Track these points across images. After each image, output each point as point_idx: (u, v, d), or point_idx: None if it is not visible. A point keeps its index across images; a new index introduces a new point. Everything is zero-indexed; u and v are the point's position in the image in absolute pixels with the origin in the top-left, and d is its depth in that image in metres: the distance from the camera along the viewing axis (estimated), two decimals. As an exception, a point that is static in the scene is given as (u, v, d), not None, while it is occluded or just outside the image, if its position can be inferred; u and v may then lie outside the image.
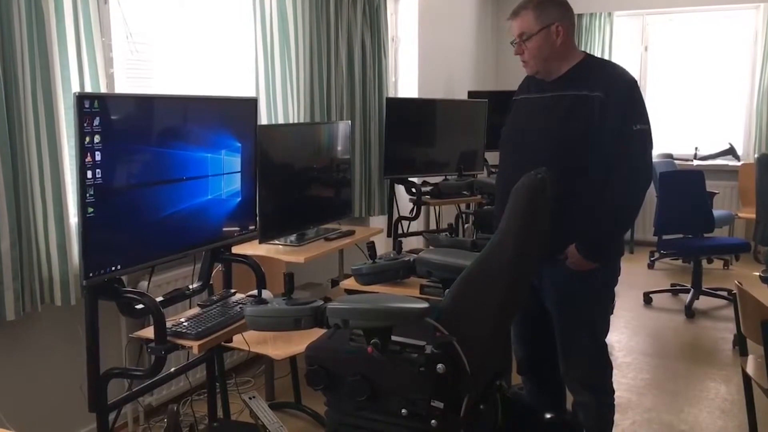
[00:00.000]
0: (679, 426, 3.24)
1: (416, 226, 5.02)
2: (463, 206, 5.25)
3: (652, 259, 6.23)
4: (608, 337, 2.53)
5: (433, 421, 1.93)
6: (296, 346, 2.95)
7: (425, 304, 1.89)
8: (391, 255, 2.75)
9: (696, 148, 6.78)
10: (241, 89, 3.85)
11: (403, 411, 1.96)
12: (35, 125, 2.51)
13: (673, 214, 4.96)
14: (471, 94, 5.90)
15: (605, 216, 2.31)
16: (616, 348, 4.22)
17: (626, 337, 4.47)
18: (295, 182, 3.53)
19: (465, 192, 4.78)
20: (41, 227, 2.58)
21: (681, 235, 5.14)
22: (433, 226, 5.36)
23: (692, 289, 5.06)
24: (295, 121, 3.94)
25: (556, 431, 2.25)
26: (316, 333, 2.52)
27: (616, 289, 2.57)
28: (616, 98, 2.28)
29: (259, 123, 2.91)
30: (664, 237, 5.07)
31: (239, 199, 2.70)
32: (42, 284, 2.62)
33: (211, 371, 2.89)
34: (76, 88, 2.65)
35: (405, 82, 5.45)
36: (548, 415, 2.31)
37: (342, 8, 4.29)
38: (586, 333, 2.43)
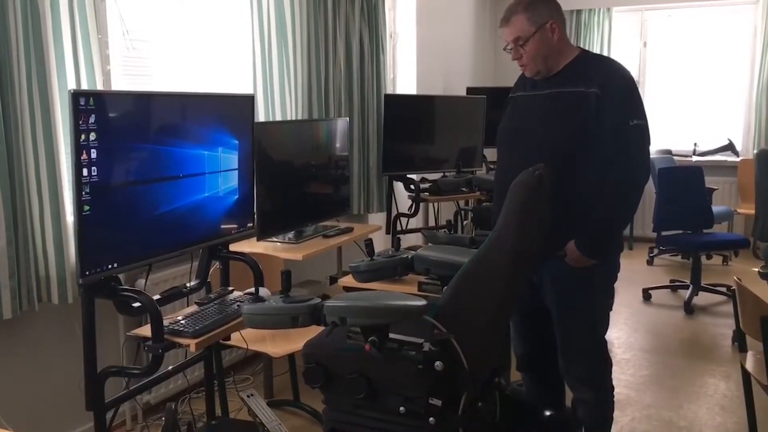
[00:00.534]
0: (678, 422, 3.24)
1: (415, 223, 5.01)
2: (461, 203, 5.24)
3: (651, 255, 6.23)
4: (607, 333, 2.53)
5: (431, 418, 1.92)
6: (295, 343, 2.94)
7: (423, 302, 1.88)
8: (389, 252, 2.74)
9: (695, 144, 6.77)
10: (239, 86, 3.84)
11: (401, 409, 1.95)
12: (31, 122, 2.50)
13: (672, 210, 4.96)
14: (469, 90, 5.88)
15: (604, 212, 2.30)
16: (616, 344, 4.22)
17: (625, 333, 4.46)
18: (293, 179, 3.52)
19: (464, 188, 4.76)
20: (38, 225, 2.57)
21: (680, 231, 5.13)
22: (431, 222, 5.35)
23: (691, 285, 5.05)
24: (293, 118, 3.93)
25: (555, 428, 2.25)
26: (315, 330, 2.52)
27: (615, 285, 2.57)
28: (613, 94, 2.27)
29: (256, 120, 2.90)
30: (663, 233, 5.06)
31: (237, 196, 2.69)
32: (39, 282, 2.61)
33: (209, 369, 2.88)
34: (72, 85, 2.63)
35: (403, 78, 5.43)
36: (547, 412, 2.30)
37: (340, 4, 4.28)
38: (585, 330, 2.42)
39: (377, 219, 4.92)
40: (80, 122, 1.97)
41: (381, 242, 4.57)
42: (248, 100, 2.82)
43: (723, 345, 4.26)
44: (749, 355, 2.86)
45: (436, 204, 5.17)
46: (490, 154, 5.64)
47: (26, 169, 2.52)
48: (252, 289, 2.56)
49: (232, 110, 2.69)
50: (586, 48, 2.53)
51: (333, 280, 4.25)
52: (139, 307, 2.21)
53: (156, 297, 2.32)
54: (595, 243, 2.33)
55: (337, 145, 3.90)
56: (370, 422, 2.02)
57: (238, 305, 2.43)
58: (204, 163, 2.49)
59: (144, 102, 2.33)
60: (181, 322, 2.27)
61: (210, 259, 2.67)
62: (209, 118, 2.55)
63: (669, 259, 6.34)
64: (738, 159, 6.51)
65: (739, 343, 2.88)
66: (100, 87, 2.76)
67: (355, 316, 1.87)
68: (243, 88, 3.84)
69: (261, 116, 3.81)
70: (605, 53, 6.68)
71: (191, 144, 2.42)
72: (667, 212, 4.94)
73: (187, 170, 2.41)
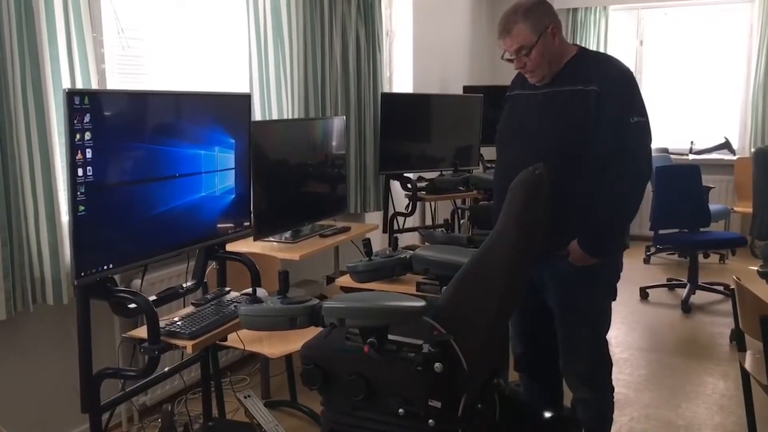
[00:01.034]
0: (677, 422, 3.23)
1: (412, 222, 5.00)
2: (458, 202, 5.23)
3: (648, 253, 6.22)
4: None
5: (430, 420, 1.91)
6: (292, 344, 2.92)
7: (422, 303, 1.86)
8: (387, 252, 2.73)
9: (691, 142, 6.77)
10: (235, 85, 3.81)
11: (400, 411, 1.93)
12: (25, 122, 2.48)
13: (670, 209, 4.95)
14: (466, 89, 5.87)
15: (606, 210, 2.29)
16: (613, 343, 4.21)
17: (623, 332, 4.45)
18: (289, 178, 3.50)
19: (461, 187, 4.74)
20: (32, 226, 2.54)
21: (677, 230, 5.12)
22: (428, 221, 5.34)
23: (688, 284, 5.05)
24: (290, 117, 3.90)
25: (555, 429, 2.23)
26: (312, 331, 2.50)
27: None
28: (612, 91, 2.25)
29: (252, 119, 2.88)
30: (660, 231, 5.05)
31: (233, 196, 2.67)
32: (33, 283, 2.58)
33: (206, 370, 2.86)
34: (66, 84, 2.61)
35: (399, 76, 5.42)
36: (547, 413, 2.29)
37: (336, 2, 4.25)
38: (587, 330, 2.41)
39: (374, 218, 4.91)
40: (75, 121, 1.95)
41: (377, 241, 4.56)
42: (245, 99, 2.79)
43: (721, 344, 4.25)
44: (748, 354, 2.85)
45: (433, 203, 5.17)
46: (487, 152, 5.66)
47: (20, 168, 2.50)
48: (249, 290, 2.54)
49: (228, 109, 2.67)
50: (583, 46, 2.50)
51: (330, 279, 4.23)
52: (135, 308, 2.19)
53: (152, 298, 2.29)
54: (597, 242, 2.32)
55: (334, 143, 3.88)
56: (369, 424, 2.00)
57: (235, 306, 2.41)
58: (200, 162, 2.47)
59: (140, 101, 2.31)
60: (178, 323, 2.24)
61: (206, 259, 2.65)
62: (205, 117, 2.53)
63: (666, 257, 6.34)
64: (734, 157, 6.51)
65: (738, 342, 2.87)
66: (94, 86, 2.74)
67: (354, 318, 1.85)
68: (239, 86, 3.81)
69: (257, 115, 3.79)
70: (602, 51, 6.66)
71: (187, 143, 2.40)
72: (664, 211, 4.93)
73: (184, 170, 2.38)
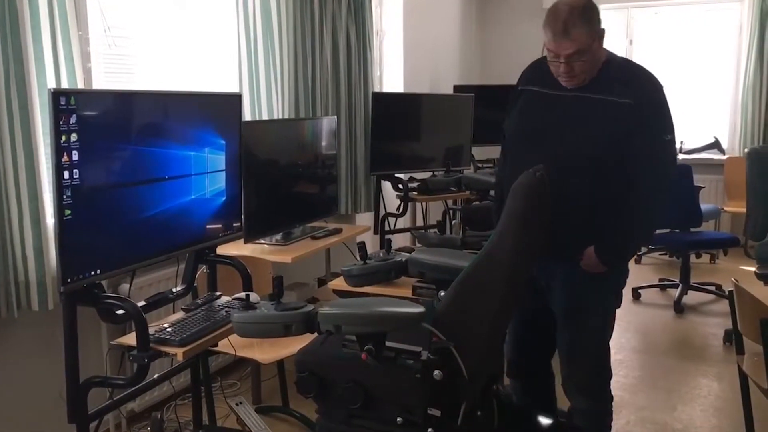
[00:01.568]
0: (674, 425, 3.20)
1: (403, 223, 4.95)
2: (450, 202, 5.19)
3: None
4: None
5: (429, 429, 1.86)
6: (284, 349, 2.87)
7: (421, 309, 1.82)
8: (381, 255, 2.67)
9: (681, 142, 6.75)
10: (224, 85, 3.75)
11: (399, 419, 1.89)
12: (9, 122, 2.40)
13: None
14: (456, 88, 5.83)
15: (631, 223, 2.24)
16: (607, 345, 4.18)
17: (616, 333, 4.34)
18: (280, 179, 3.44)
19: (453, 188, 4.71)
20: (17, 229, 2.47)
21: (668, 230, 5.10)
22: (420, 222, 5.29)
23: (681, 284, 5.03)
24: (280, 117, 3.84)
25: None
26: (305, 336, 2.45)
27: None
28: (648, 108, 2.20)
29: (242, 119, 2.82)
30: (653, 232, 5.02)
31: (224, 198, 2.61)
32: (18, 288, 2.51)
33: (196, 376, 2.80)
34: (51, 84, 2.53)
35: (390, 76, 5.36)
36: (546, 420, 2.25)
37: (326, 1, 4.19)
38: (593, 338, 2.37)
39: (365, 219, 4.85)
40: (61, 122, 1.88)
41: (368, 242, 4.50)
42: (235, 99, 2.74)
43: (714, 345, 4.23)
44: (746, 357, 2.82)
45: (424, 204, 5.12)
46: (479, 153, 5.62)
47: (4, 171, 2.42)
48: (240, 294, 2.47)
49: (218, 109, 2.61)
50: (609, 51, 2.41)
51: (321, 282, 4.17)
52: (123, 314, 2.12)
53: (141, 304, 2.22)
54: (616, 252, 2.28)
55: (324, 144, 3.83)
56: (366, 433, 1.95)
57: (226, 311, 2.35)
58: (190, 164, 2.40)
59: (127, 101, 2.24)
60: (168, 330, 2.18)
61: (196, 263, 2.58)
62: (195, 118, 2.47)
63: (657, 257, 6.33)
64: (724, 157, 6.51)
65: (737, 345, 2.84)
66: (80, 86, 2.66)
67: (351, 324, 1.80)
68: (228, 86, 3.75)
69: (247, 115, 3.73)
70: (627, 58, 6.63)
71: (177, 144, 2.34)
72: (656, 211, 4.90)
73: (173, 172, 2.32)
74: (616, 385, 3.54)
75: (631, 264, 2.50)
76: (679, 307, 4.84)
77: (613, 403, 2.48)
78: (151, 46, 3.30)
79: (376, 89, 4.93)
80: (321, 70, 4.20)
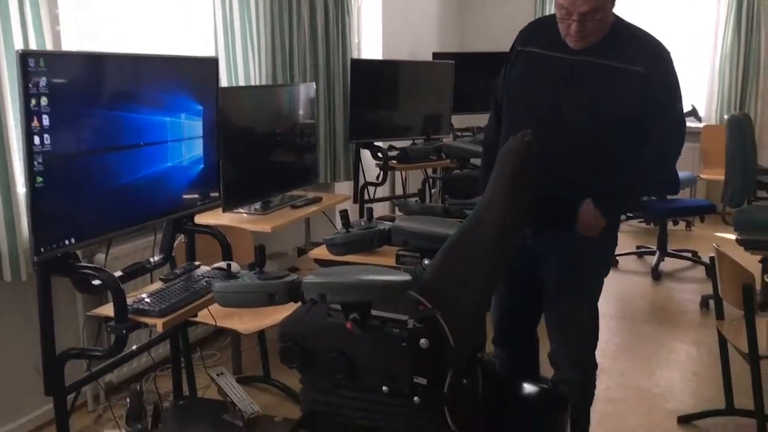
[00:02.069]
0: (653, 390, 3.23)
1: (382, 192, 4.90)
2: (430, 171, 5.15)
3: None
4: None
5: (415, 398, 1.84)
6: (265, 319, 2.83)
7: (408, 277, 1.78)
8: (363, 223, 2.63)
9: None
10: (199, 50, 3.64)
11: (384, 388, 1.86)
12: (-25, 87, 2.31)
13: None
14: (436, 55, 5.76)
15: (634, 174, 2.21)
16: (586, 312, 4.20)
17: (595, 300, 4.44)
18: (258, 147, 3.37)
19: (432, 156, 4.67)
20: (-14, 198, 2.39)
21: (645, 198, 5.12)
22: (399, 191, 5.25)
23: (658, 251, 5.06)
24: (257, 83, 3.76)
25: (542, 405, 2.19)
26: (286, 305, 2.41)
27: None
28: (661, 77, 2.17)
29: (219, 85, 2.74)
30: (630, 199, 5.03)
31: (202, 165, 2.54)
32: (-11, 259, 2.43)
33: (175, 347, 2.75)
34: (19, 46, 2.43)
35: (369, 42, 5.27)
36: (532, 387, 2.24)
37: (303, -36, 4.09)
38: (584, 308, 2.35)
39: (344, 188, 4.80)
40: (30, 86, 1.80)
41: (349, 212, 4.46)
42: (212, 64, 2.65)
43: (691, 311, 4.28)
44: (726, 321, 2.84)
45: (404, 172, 5.07)
46: (458, 121, 5.57)
47: (-29, 137, 2.33)
48: (220, 264, 2.42)
49: (194, 74, 2.53)
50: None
51: (301, 251, 4.13)
52: (99, 285, 2.07)
53: (117, 274, 2.16)
54: (615, 202, 2.23)
55: (302, 111, 3.75)
56: (351, 402, 1.93)
57: (206, 281, 2.30)
58: (166, 130, 2.33)
59: (100, 64, 2.15)
60: (146, 300, 2.13)
61: (174, 232, 2.52)
62: (170, 82, 2.39)
63: (635, 225, 6.36)
64: (701, 125, 6.53)
65: (717, 310, 2.86)
66: (49, 49, 2.56)
67: (336, 293, 1.76)
68: (203, 51, 3.64)
69: (223, 81, 3.63)
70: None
71: (152, 109, 2.26)
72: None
73: (148, 138, 2.25)
74: (596, 352, 3.58)
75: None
76: (656, 274, 4.88)
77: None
78: (122, 8, 3.19)
79: (355, 56, 4.84)
80: (298, 35, 4.11)
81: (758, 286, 2.49)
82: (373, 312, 1.83)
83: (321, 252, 2.62)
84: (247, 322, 2.85)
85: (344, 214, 2.55)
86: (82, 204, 2.02)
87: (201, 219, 2.90)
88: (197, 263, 2.51)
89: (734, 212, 4.05)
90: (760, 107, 6.37)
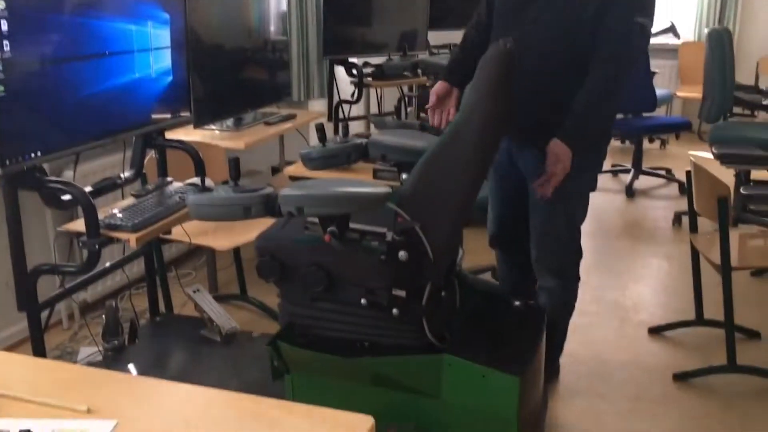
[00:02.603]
0: (625, 302, 3.30)
1: (357, 110, 4.81)
2: (406, 89, 5.06)
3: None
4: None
5: (394, 310, 1.84)
6: (240, 236, 2.80)
7: (386, 189, 1.75)
8: (337, 139, 2.58)
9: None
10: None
11: (363, 301, 1.85)
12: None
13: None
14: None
15: (589, 96, 2.17)
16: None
17: (569, 218, 4.48)
18: (228, 62, 3.24)
19: (408, 73, 4.57)
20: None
21: (621, 115, 5.10)
22: (374, 110, 5.16)
23: (633, 169, 5.09)
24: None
25: (519, 316, 2.21)
26: (260, 223, 2.38)
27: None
28: None
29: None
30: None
31: (170, 78, 2.44)
32: (-48, 175, 2.35)
33: (150, 265, 2.72)
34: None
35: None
36: (509, 298, 2.26)
37: None
38: (563, 222, 2.36)
39: (318, 106, 4.71)
40: (-16, -13, 1.69)
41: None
42: (178, -31, 2.51)
43: (663, 227, 4.34)
44: (699, 235, 2.88)
45: (379, 90, 4.97)
46: (434, 37, 5.44)
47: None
48: (193, 180, 2.37)
49: (160, -21, 2.40)
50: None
51: (275, 170, 4.08)
52: (69, 200, 2.01)
53: (88, 189, 2.10)
54: (575, 130, 2.19)
55: (273, 28, 3.61)
56: (330, 315, 1.92)
57: (180, 197, 2.24)
58: (132, 38, 2.22)
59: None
60: (118, 215, 2.07)
61: (144, 147, 2.44)
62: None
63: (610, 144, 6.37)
64: (679, 41, 6.47)
65: (691, 224, 2.89)
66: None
67: (314, 206, 1.72)
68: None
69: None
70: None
71: (116, 16, 2.14)
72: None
73: (114, 47, 2.14)
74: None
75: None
76: (630, 192, 4.92)
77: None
78: None
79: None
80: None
81: (732, 200, 2.50)
82: (352, 225, 1.81)
83: (296, 169, 2.58)
84: (222, 239, 2.82)
85: (320, 128, 2.49)
86: (48, 115, 1.93)
87: (172, 136, 2.82)
88: (170, 179, 2.45)
89: (710, 128, 4.06)
90: (740, 22, 6.32)
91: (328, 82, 4.59)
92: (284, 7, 3.70)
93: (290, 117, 3.52)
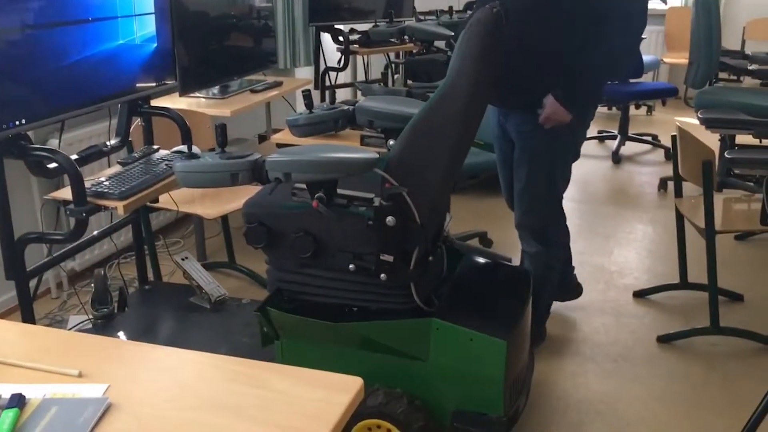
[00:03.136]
0: (610, 267, 3.33)
1: (344, 77, 4.78)
2: (392, 56, 5.02)
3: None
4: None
5: (382, 275, 1.85)
6: (227, 204, 2.80)
7: (374, 154, 1.75)
8: (324, 106, 2.57)
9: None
10: None
11: (351, 266, 1.87)
12: None
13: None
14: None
15: (591, 60, 2.18)
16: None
17: (556, 184, 4.50)
18: (213, 29, 3.21)
19: (395, 39, 4.54)
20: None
21: (608, 81, 5.09)
22: (361, 77, 5.13)
23: (619, 135, 5.11)
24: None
25: (505, 279, 2.23)
26: (247, 190, 2.38)
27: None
28: None
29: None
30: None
31: (155, 45, 2.41)
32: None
33: (138, 233, 2.72)
34: None
35: None
36: (496, 263, 2.28)
37: None
38: (545, 185, 2.38)
39: (305, 73, 4.68)
40: (-38, -49, 1.66)
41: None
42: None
43: (649, 192, 4.37)
44: (684, 199, 2.91)
45: (366, 57, 4.94)
46: (420, 3, 5.39)
47: None
48: (180, 147, 2.36)
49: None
50: None
51: (262, 138, 4.06)
52: (55, 168, 2.00)
53: (74, 157, 2.09)
54: (574, 91, 2.21)
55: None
56: (318, 281, 1.94)
57: (166, 164, 2.24)
58: (115, 4, 2.19)
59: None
60: (105, 183, 2.07)
61: (130, 115, 2.43)
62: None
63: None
64: (666, 7, 6.44)
65: (676, 188, 2.92)
66: None
67: (301, 171, 1.72)
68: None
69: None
70: None
71: (99, -18, 2.11)
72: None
73: (97, 13, 2.11)
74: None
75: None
76: (616, 158, 4.94)
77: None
78: None
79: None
80: None
81: (717, 164, 2.52)
82: (339, 190, 1.82)
83: (283, 136, 2.58)
84: (209, 207, 2.82)
85: (307, 94, 2.48)
86: (31, 83, 1.91)
87: (158, 104, 2.80)
88: (156, 147, 2.43)
89: (696, 93, 4.07)
90: (727, -12, 6.30)
91: (315, 49, 4.55)
92: (269, -28, 3.66)
93: (277, 84, 3.50)
